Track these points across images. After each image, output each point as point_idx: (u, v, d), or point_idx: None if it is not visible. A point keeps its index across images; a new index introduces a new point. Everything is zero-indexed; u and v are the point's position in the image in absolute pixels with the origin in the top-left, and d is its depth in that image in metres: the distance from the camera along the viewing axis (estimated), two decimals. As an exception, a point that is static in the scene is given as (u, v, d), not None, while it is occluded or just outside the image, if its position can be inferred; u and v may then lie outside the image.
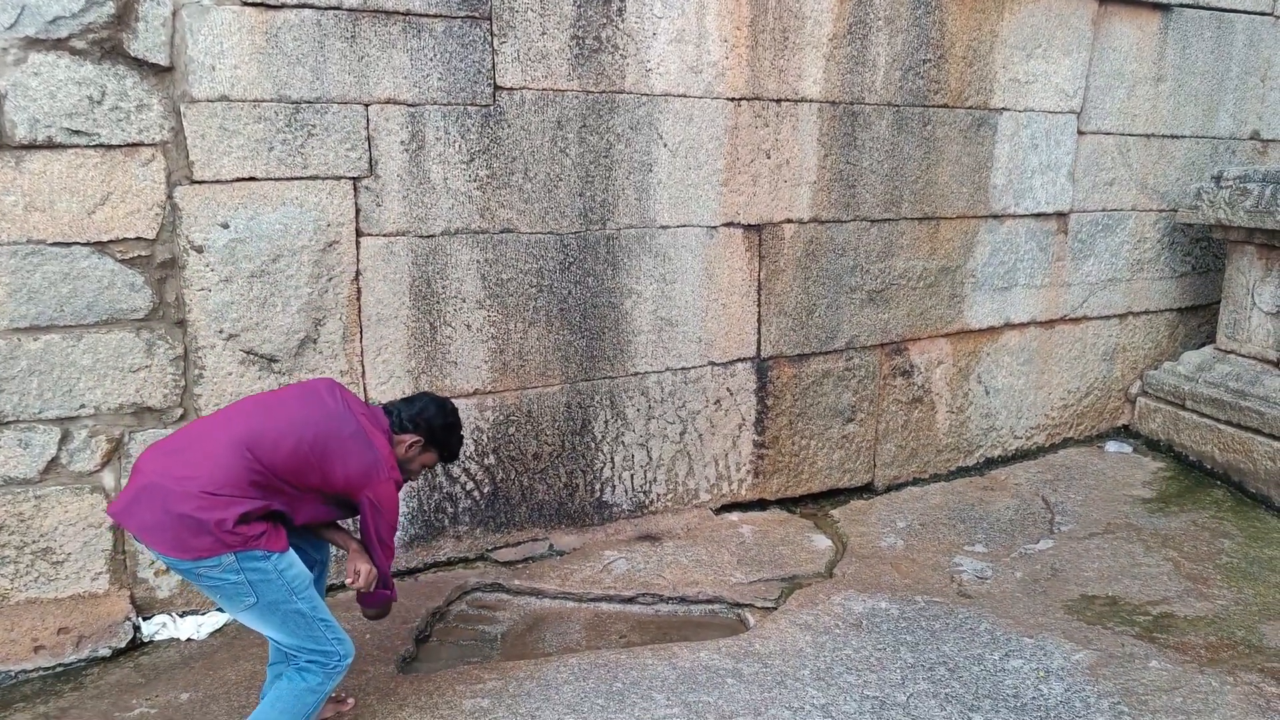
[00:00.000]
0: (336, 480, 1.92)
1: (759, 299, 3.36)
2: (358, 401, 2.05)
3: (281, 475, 1.86)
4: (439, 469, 2.96)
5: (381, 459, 1.95)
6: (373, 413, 2.04)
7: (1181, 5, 3.93)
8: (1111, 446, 4.16)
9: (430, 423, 2.09)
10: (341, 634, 1.96)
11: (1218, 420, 3.74)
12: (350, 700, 2.24)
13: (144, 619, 2.58)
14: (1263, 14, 4.14)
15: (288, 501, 1.89)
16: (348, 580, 2.03)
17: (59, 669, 2.41)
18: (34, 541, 2.46)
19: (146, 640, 2.55)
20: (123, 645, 2.49)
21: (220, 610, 2.61)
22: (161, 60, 2.40)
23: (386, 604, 2.10)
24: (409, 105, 2.70)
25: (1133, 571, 3.04)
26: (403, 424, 2.07)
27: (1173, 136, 4.11)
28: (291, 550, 1.90)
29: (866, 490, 3.76)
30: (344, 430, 1.93)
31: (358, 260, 2.71)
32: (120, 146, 2.39)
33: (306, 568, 1.95)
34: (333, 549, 2.22)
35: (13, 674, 2.37)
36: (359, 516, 1.98)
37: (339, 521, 2.11)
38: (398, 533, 2.92)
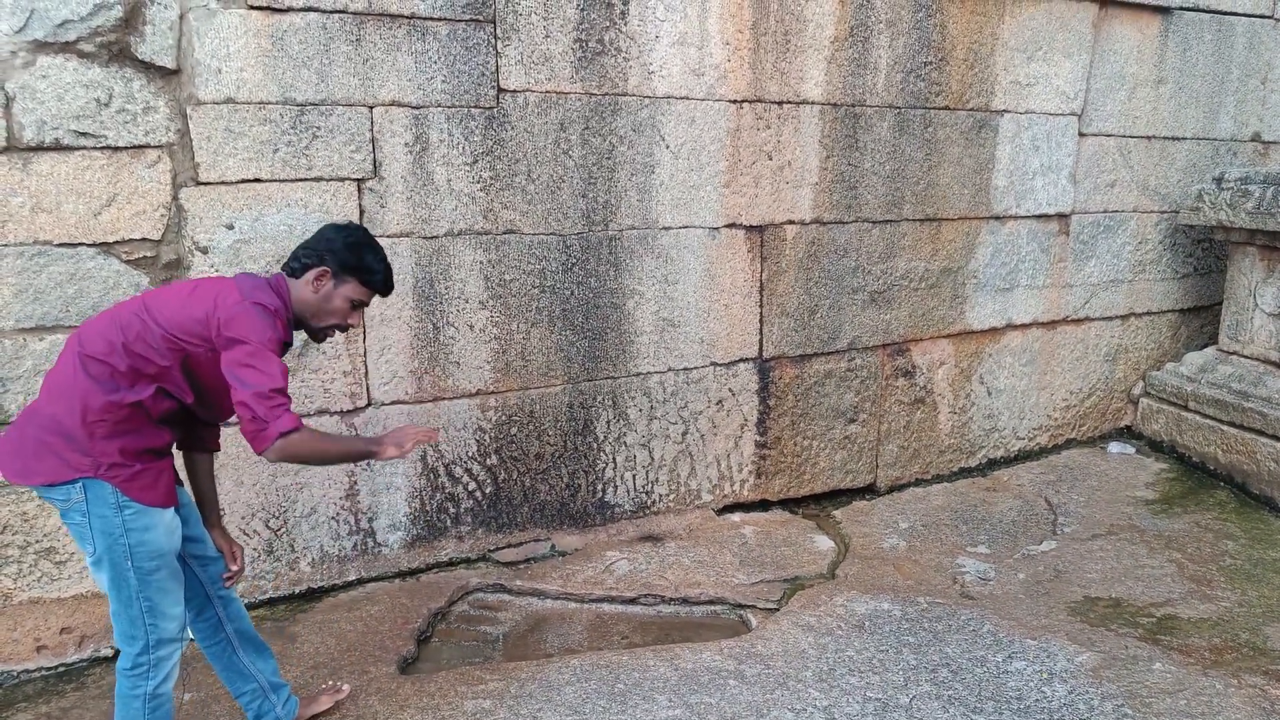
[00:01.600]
0: (168, 318, 1.68)
1: (761, 300, 3.37)
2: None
3: (119, 346, 1.66)
4: (441, 467, 2.96)
5: (238, 284, 1.74)
6: (254, 275, 1.84)
7: (1182, 8, 3.94)
8: (1114, 447, 4.16)
9: (331, 247, 1.82)
10: (160, 624, 1.73)
11: (1220, 421, 3.74)
12: (345, 687, 2.24)
13: (147, 619, 2.58)
14: (1263, 16, 4.15)
15: (151, 379, 1.69)
16: (230, 569, 1.96)
17: (61, 669, 2.42)
18: (37, 541, 2.47)
19: (150, 640, 2.55)
20: (126, 645, 2.50)
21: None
22: (168, 63, 2.41)
23: (261, 434, 1.66)
24: (413, 108, 2.71)
25: (1136, 573, 3.03)
26: (302, 263, 1.82)
27: (1174, 138, 4.11)
28: (164, 515, 1.71)
29: (869, 491, 3.75)
30: (205, 280, 1.77)
31: (361, 261, 2.72)
32: (127, 148, 2.41)
33: (180, 565, 1.80)
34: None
35: (15, 674, 2.38)
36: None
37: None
38: (399, 529, 2.92)
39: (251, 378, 1.66)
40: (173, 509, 1.77)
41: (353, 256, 1.84)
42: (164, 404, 1.73)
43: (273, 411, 1.66)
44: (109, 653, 2.46)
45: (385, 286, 1.90)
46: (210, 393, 1.78)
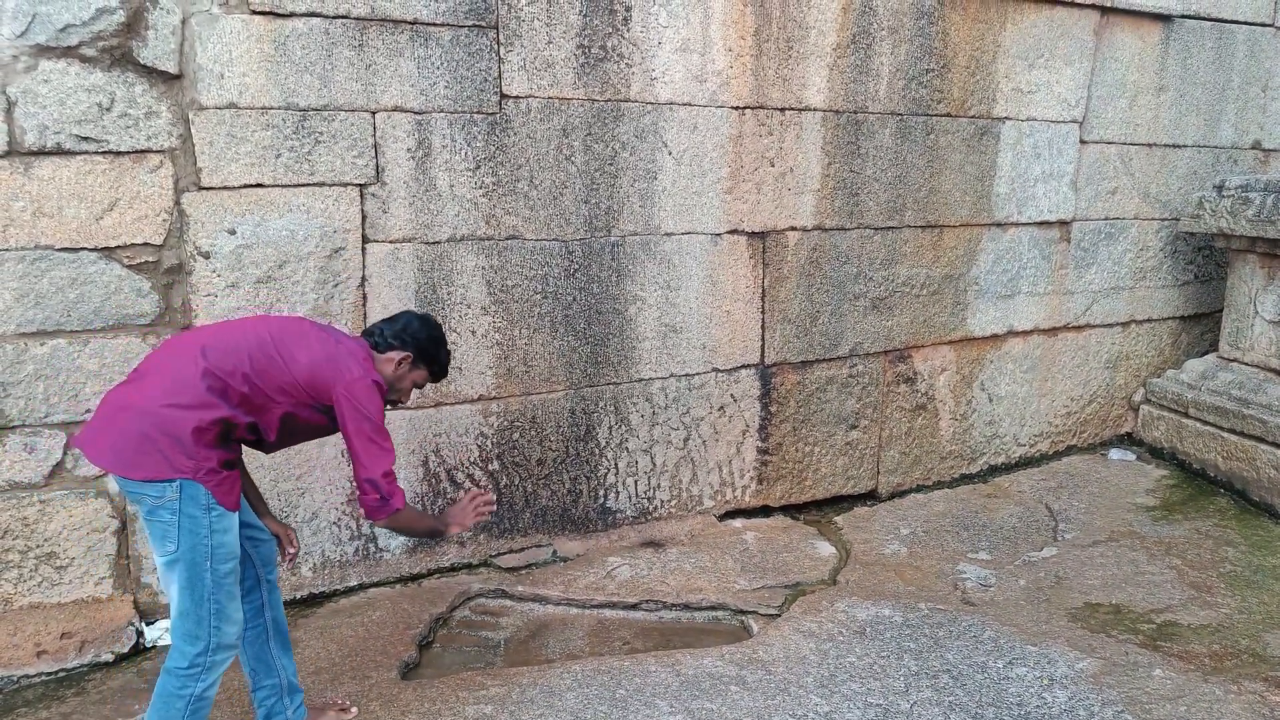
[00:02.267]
0: (301, 369, 1.84)
1: (763, 306, 3.37)
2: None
3: (242, 374, 1.79)
4: (442, 472, 2.96)
5: (353, 353, 1.91)
6: (348, 336, 2.03)
7: (1183, 16, 3.95)
8: (1115, 454, 4.16)
9: (416, 337, 2.03)
10: (224, 628, 1.80)
11: (1221, 428, 3.74)
12: (353, 709, 2.23)
13: (147, 624, 2.58)
14: (1263, 25, 4.16)
15: (253, 410, 1.82)
16: (288, 550, 2.07)
17: (61, 674, 2.41)
18: (38, 546, 2.46)
19: (150, 645, 2.55)
20: (125, 650, 2.49)
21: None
22: (170, 68, 2.41)
23: (383, 507, 1.89)
24: (416, 113, 2.71)
25: (1136, 579, 3.03)
26: (387, 342, 2.01)
27: (1175, 146, 4.12)
28: (235, 518, 1.82)
29: (870, 497, 3.76)
30: (309, 328, 1.93)
31: (364, 266, 2.72)
32: (129, 153, 2.41)
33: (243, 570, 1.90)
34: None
35: (15, 679, 2.37)
36: (342, 429, 1.88)
37: (320, 443, 2.02)
38: (406, 540, 2.92)
39: (375, 457, 1.87)
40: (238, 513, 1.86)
41: (432, 349, 2.07)
42: (246, 434, 1.85)
43: (390, 489, 1.90)
44: (109, 658, 2.46)
45: (443, 377, 2.16)
46: (289, 435, 1.93)
